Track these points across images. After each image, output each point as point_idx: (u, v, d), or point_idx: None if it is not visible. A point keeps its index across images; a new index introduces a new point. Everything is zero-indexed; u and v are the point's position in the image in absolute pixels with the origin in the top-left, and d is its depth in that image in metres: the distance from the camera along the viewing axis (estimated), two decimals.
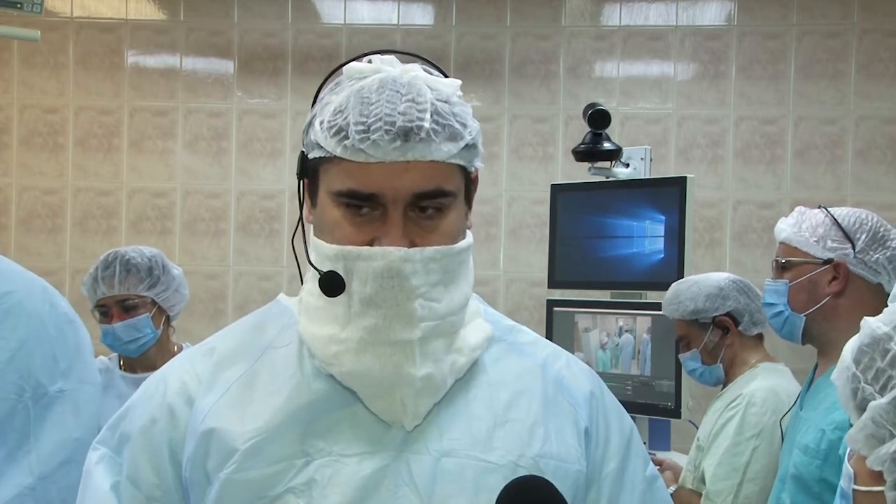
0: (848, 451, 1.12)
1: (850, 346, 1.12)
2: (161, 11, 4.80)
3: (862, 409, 1.06)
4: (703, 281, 2.78)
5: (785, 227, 2.11)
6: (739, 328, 2.73)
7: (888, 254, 2.00)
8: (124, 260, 2.56)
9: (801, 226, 2.08)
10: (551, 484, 1.04)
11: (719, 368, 2.77)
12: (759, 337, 2.79)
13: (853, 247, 2.00)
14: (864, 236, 2.01)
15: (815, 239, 2.04)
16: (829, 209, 2.07)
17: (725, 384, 2.82)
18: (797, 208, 2.13)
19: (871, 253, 2.00)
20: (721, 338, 2.75)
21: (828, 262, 2.02)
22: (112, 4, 4.77)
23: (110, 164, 4.77)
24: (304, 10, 4.77)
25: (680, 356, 2.87)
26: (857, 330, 2.05)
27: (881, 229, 2.02)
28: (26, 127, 4.79)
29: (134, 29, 4.78)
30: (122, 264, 2.55)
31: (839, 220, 2.03)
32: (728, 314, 2.73)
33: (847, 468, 1.09)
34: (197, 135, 4.77)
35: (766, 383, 2.63)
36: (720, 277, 2.78)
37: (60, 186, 4.77)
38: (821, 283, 2.03)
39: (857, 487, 1.07)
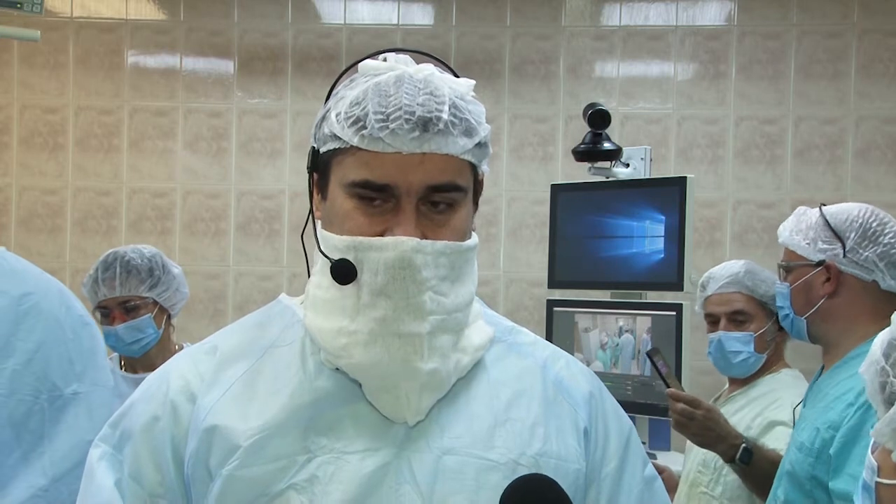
0: (871, 444, 1.11)
1: (880, 340, 1.11)
2: (161, 11, 4.80)
3: (890, 402, 1.06)
4: None
5: (783, 230, 2.11)
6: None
7: (879, 250, 1.97)
8: (124, 261, 2.55)
9: (796, 228, 2.08)
10: (556, 483, 1.05)
11: (762, 360, 2.70)
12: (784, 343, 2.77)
13: (843, 246, 1.99)
14: (853, 234, 1.99)
15: (808, 241, 2.03)
16: (825, 207, 2.05)
17: (741, 383, 2.78)
18: (798, 209, 2.12)
19: (861, 251, 1.98)
20: (776, 333, 2.72)
21: (820, 263, 2.01)
22: (112, 4, 4.77)
23: (110, 164, 4.77)
24: (304, 10, 4.76)
25: (721, 333, 2.72)
26: (856, 330, 2.04)
27: (874, 224, 1.99)
28: (26, 127, 4.79)
29: (134, 29, 4.78)
30: (122, 266, 2.55)
31: (830, 219, 2.01)
32: None
33: (871, 461, 1.09)
34: (197, 135, 4.77)
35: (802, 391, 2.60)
36: None
37: (60, 186, 4.77)
38: (815, 285, 2.03)
39: (880, 480, 1.07)
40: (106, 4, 4.78)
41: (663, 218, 3.36)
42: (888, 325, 1.93)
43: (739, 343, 2.69)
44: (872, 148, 4.52)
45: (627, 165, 3.55)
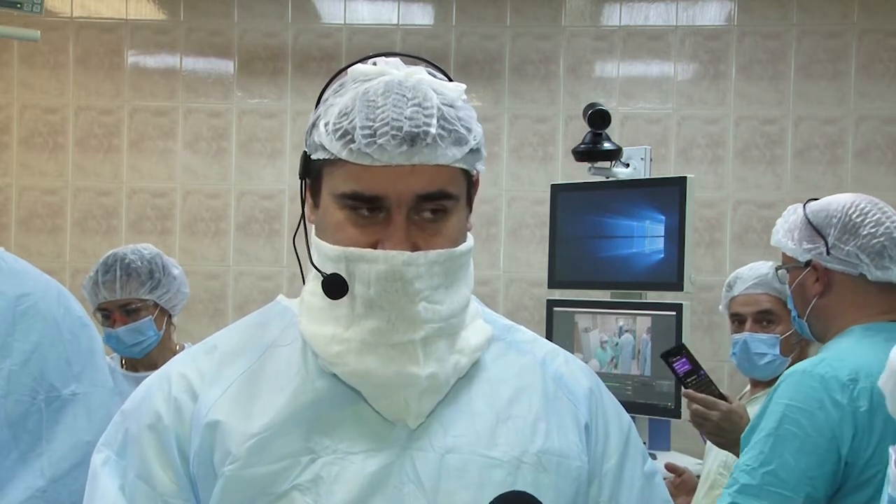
0: (893, 458, 1.09)
1: None
2: (161, 11, 4.80)
3: None
4: None
5: (775, 232, 2.08)
6: None
7: (859, 243, 1.92)
8: (124, 264, 2.54)
9: (783, 228, 2.05)
10: (535, 499, 1.05)
11: (786, 364, 2.64)
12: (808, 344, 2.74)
13: (825, 243, 1.95)
14: (833, 230, 1.95)
15: (794, 242, 2.01)
16: (810, 204, 2.02)
17: (759, 385, 2.75)
18: (789, 207, 2.09)
19: (842, 246, 1.94)
20: (801, 336, 2.67)
21: (808, 264, 1.99)
22: (112, 4, 4.77)
23: (110, 164, 4.77)
24: (304, 10, 4.77)
25: (747, 334, 2.67)
26: (839, 326, 2.02)
27: (853, 216, 1.94)
28: (26, 127, 4.79)
29: (134, 29, 4.78)
30: (122, 268, 2.54)
31: (811, 217, 1.98)
32: None
33: (894, 474, 1.07)
34: (197, 135, 4.77)
35: None
36: None
37: (60, 186, 4.77)
38: (807, 285, 2.00)
39: None
40: (106, 4, 4.78)
41: (663, 218, 3.36)
42: (881, 317, 1.93)
43: (765, 345, 2.66)
44: (872, 148, 4.52)
45: (627, 165, 3.55)
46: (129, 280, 2.54)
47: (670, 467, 2.73)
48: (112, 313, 2.56)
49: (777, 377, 2.68)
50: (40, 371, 1.45)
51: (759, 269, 2.72)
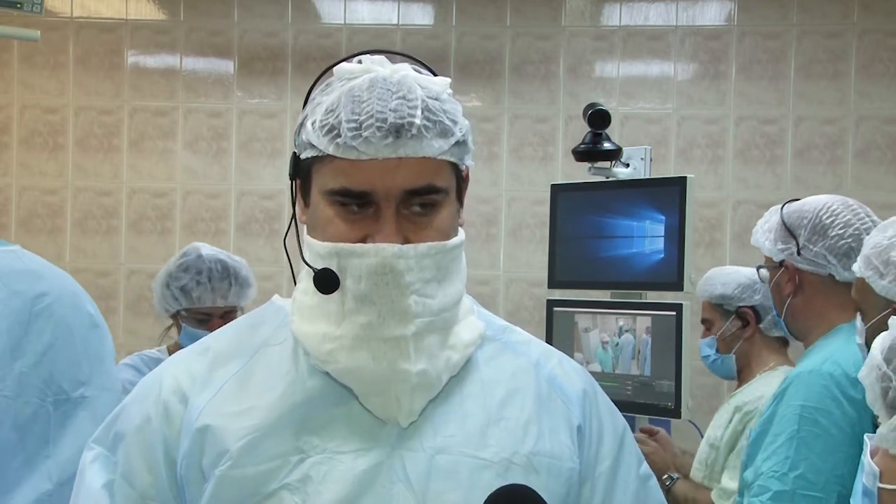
0: (869, 449, 1.10)
1: (880, 345, 1.09)
2: (161, 11, 4.80)
3: (893, 408, 1.04)
4: (741, 270, 2.81)
5: (754, 232, 2.14)
6: (760, 325, 2.72)
7: (827, 244, 1.97)
8: (236, 272, 2.65)
9: (763, 228, 2.11)
10: (534, 492, 1.04)
11: (731, 360, 2.77)
12: (783, 341, 2.76)
13: (797, 244, 2.00)
14: (804, 231, 1.99)
15: (770, 242, 2.06)
16: (788, 205, 2.06)
17: (740, 382, 2.81)
18: (771, 208, 2.13)
19: (811, 246, 1.99)
20: (739, 329, 2.74)
21: (781, 263, 2.04)
22: (112, 4, 4.77)
23: (110, 164, 4.77)
24: (304, 10, 4.76)
25: (700, 340, 2.88)
26: (821, 325, 2.07)
27: (824, 218, 1.99)
28: (26, 127, 4.79)
29: (134, 29, 4.78)
30: (234, 277, 2.64)
31: (786, 218, 2.03)
32: (752, 307, 2.73)
33: (871, 466, 1.07)
34: (197, 135, 4.77)
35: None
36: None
37: (60, 186, 4.77)
38: (782, 284, 2.06)
39: (882, 485, 1.05)
40: (106, 4, 4.78)
41: (663, 218, 3.35)
42: (853, 317, 1.95)
43: (707, 347, 2.84)
44: (872, 148, 4.51)
45: (627, 165, 3.55)
46: (240, 289, 2.65)
47: (645, 429, 2.92)
48: (213, 318, 2.63)
49: (732, 375, 2.86)
50: (49, 373, 1.44)
51: (707, 277, 2.89)
